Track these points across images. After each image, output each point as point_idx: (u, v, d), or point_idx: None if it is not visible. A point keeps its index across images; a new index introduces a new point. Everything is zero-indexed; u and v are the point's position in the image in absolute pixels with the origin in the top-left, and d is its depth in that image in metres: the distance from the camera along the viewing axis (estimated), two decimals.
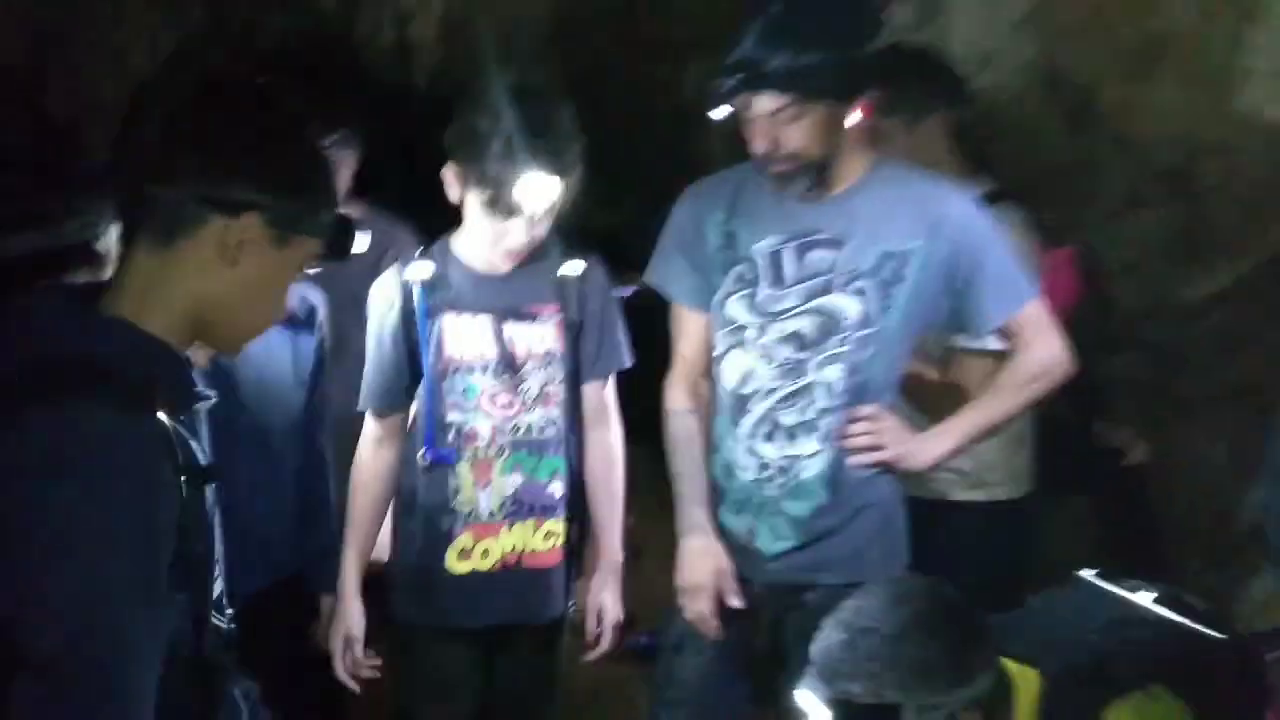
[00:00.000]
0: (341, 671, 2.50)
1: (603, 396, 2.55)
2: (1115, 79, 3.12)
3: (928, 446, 2.35)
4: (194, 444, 1.41)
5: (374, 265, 2.62)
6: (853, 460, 2.33)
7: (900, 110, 2.69)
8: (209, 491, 1.42)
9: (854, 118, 2.27)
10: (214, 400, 1.51)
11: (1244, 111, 2.94)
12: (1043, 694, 1.90)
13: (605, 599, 2.56)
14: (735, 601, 2.35)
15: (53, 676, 1.23)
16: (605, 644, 2.58)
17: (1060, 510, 2.98)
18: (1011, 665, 1.92)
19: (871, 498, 2.36)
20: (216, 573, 1.51)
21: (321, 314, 2.55)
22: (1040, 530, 2.84)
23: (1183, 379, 3.30)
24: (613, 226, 3.10)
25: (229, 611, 1.57)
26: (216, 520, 1.50)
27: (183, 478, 1.34)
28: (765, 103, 2.16)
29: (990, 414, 2.35)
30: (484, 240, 2.38)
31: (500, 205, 2.28)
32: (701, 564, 2.36)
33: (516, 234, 2.33)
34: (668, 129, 3.62)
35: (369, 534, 2.50)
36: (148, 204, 1.37)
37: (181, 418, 1.39)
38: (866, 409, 2.32)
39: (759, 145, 2.22)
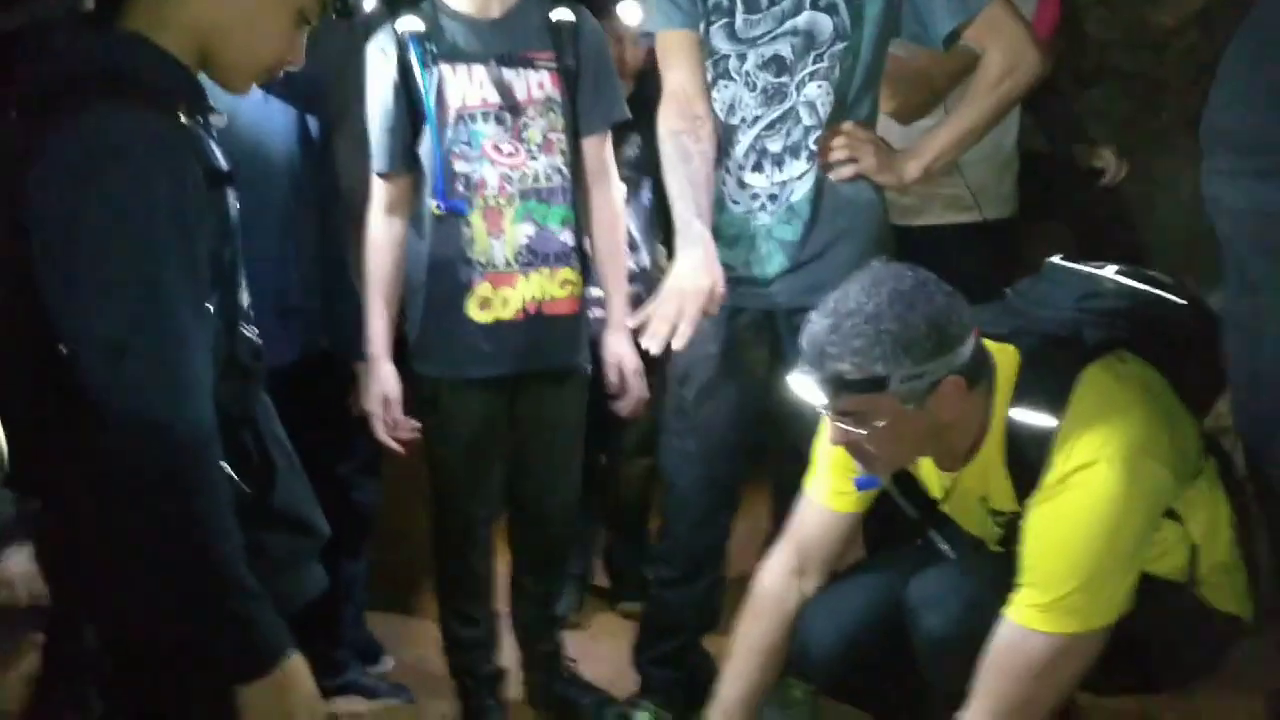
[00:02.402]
0: (382, 433, 2.57)
1: (602, 153, 2.59)
2: None
3: (909, 160, 2.43)
4: (212, 148, 1.49)
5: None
6: (834, 175, 2.42)
7: None
8: (230, 195, 1.51)
9: None
10: (225, 119, 1.59)
11: None
12: (1020, 365, 1.99)
13: (620, 349, 2.65)
14: (714, 310, 2.31)
15: (117, 360, 1.33)
16: (633, 392, 2.68)
17: (1045, 233, 3.08)
18: (991, 343, 2.01)
19: (858, 216, 2.45)
20: (242, 283, 1.57)
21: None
22: (1026, 250, 2.94)
23: (1155, 109, 3.35)
24: None
25: (254, 326, 1.61)
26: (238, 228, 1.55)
27: (206, 177, 1.42)
28: None
29: (965, 122, 2.41)
30: None
31: None
32: (694, 277, 2.30)
33: None
34: None
35: (390, 298, 2.54)
36: None
37: (199, 124, 1.48)
38: (846, 125, 2.40)
39: None
